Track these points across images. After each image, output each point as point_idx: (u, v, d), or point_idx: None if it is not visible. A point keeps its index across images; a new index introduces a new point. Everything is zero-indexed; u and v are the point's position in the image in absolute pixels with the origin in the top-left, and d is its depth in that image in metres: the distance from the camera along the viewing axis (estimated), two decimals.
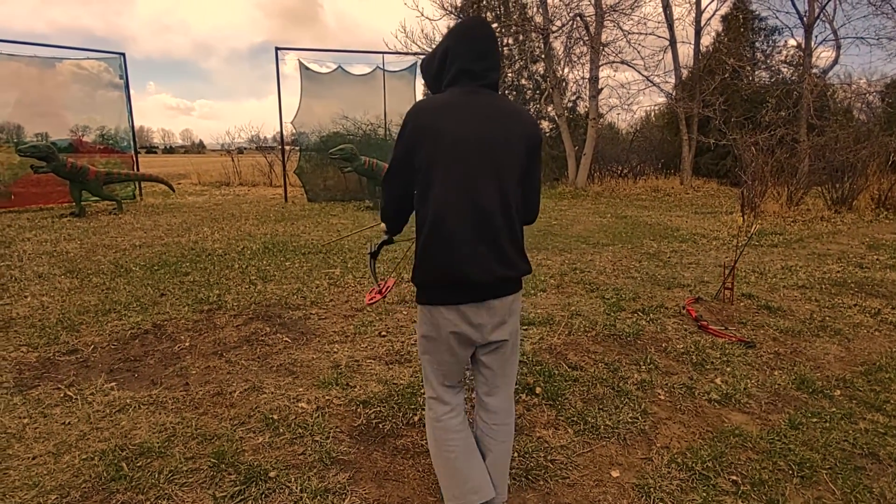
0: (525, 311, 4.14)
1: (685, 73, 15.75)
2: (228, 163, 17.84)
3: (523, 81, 16.72)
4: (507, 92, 16.13)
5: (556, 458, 2.28)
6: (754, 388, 2.94)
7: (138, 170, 11.51)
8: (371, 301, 1.96)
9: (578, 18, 13.87)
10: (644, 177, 16.08)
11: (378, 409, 2.65)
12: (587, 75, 14.43)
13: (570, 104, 16.40)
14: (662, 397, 2.84)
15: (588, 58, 14.25)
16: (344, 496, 2.01)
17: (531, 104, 16.40)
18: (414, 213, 1.74)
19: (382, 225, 1.90)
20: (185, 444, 2.32)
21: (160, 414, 2.57)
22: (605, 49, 14.13)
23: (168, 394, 2.78)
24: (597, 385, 2.94)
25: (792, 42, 17.54)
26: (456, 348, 1.71)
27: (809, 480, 2.15)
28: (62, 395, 2.75)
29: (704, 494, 2.04)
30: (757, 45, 16.59)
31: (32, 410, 2.58)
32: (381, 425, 2.51)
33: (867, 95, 16.81)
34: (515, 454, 2.29)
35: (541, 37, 14.53)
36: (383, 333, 3.67)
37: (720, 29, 16.78)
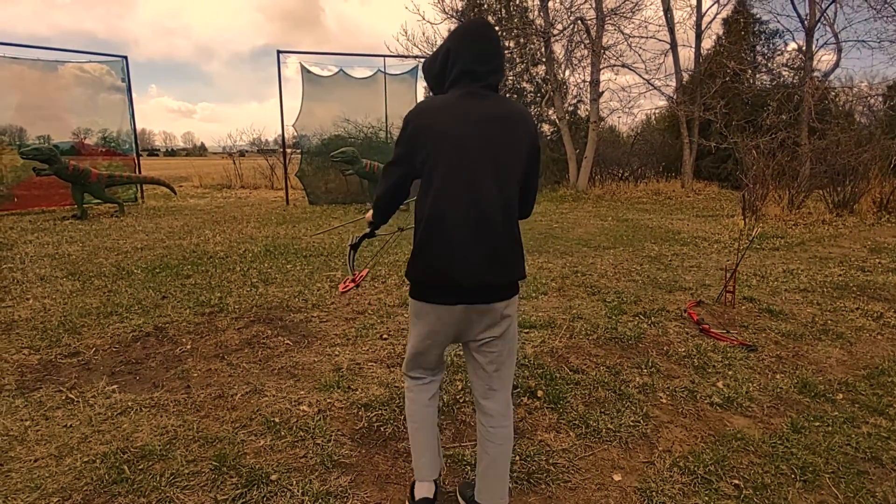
0: (526, 314, 4.14)
1: (686, 76, 15.75)
2: (230, 165, 17.88)
3: (524, 84, 16.74)
4: (508, 95, 16.14)
5: (558, 462, 2.28)
6: (756, 392, 2.94)
7: (140, 172, 11.53)
8: (345, 289, 2.02)
9: (579, 22, 13.90)
10: (645, 180, 16.09)
11: (380, 412, 2.65)
12: (588, 79, 14.45)
13: (571, 107, 16.41)
14: (664, 401, 2.84)
15: (589, 61, 14.27)
16: (346, 499, 2.01)
17: (532, 107, 16.41)
18: (398, 208, 1.82)
19: (368, 215, 1.93)
20: (186, 446, 2.32)
21: (162, 417, 2.57)
22: (606, 52, 14.15)
23: (169, 396, 2.78)
24: (598, 388, 2.94)
25: (793, 45, 17.55)
26: (437, 343, 1.77)
27: (812, 485, 2.14)
28: (64, 397, 2.75)
29: (706, 498, 2.04)
30: (758, 48, 16.61)
31: (34, 413, 2.59)
32: (382, 428, 2.51)
33: (868, 99, 16.81)
34: (517, 457, 2.28)
35: (542, 40, 14.54)
36: (385, 336, 3.67)
37: (721, 32, 16.82)
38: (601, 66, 14.17)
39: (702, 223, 9.28)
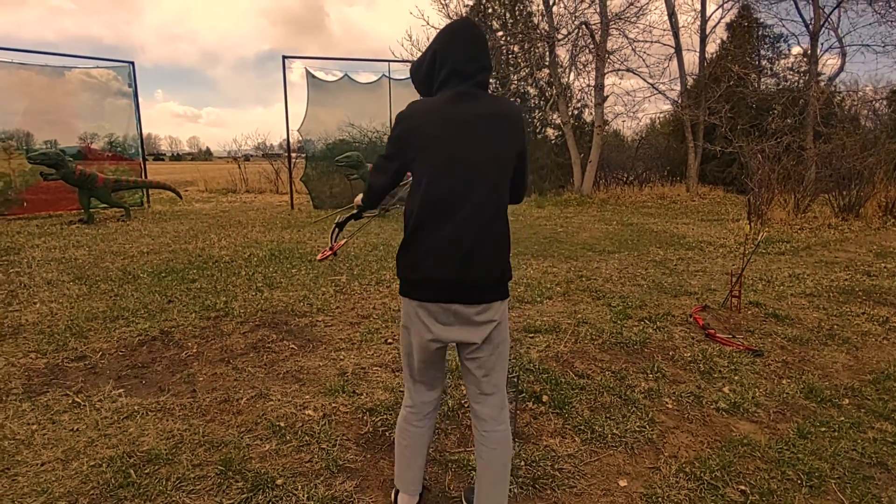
0: (531, 318, 4.13)
1: (691, 80, 15.74)
2: (235, 170, 17.94)
3: (529, 89, 16.76)
4: (512, 99, 16.16)
5: (564, 467, 2.28)
6: (762, 397, 2.92)
7: (146, 177, 11.59)
8: (323, 257, 2.14)
9: (584, 27, 13.91)
10: (650, 184, 16.07)
11: (384, 416, 2.65)
12: (592, 83, 14.46)
13: (575, 112, 16.42)
14: (670, 406, 2.83)
15: (593, 65, 14.28)
16: None
17: (536, 111, 16.43)
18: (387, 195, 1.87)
19: (357, 200, 2.02)
20: (192, 451, 2.32)
21: (168, 421, 2.58)
22: (611, 57, 14.16)
23: (175, 400, 2.79)
24: (604, 393, 2.93)
25: (797, 49, 17.50)
26: (421, 344, 1.74)
27: (818, 490, 2.13)
28: (70, 401, 2.76)
29: None
30: (762, 52, 16.59)
31: (41, 417, 2.60)
32: (387, 433, 2.51)
33: (874, 103, 16.75)
34: (522, 462, 2.28)
35: (546, 45, 14.57)
36: (389, 341, 3.67)
37: (725, 37, 16.81)
38: (605, 71, 14.18)
39: (707, 227, 9.26)
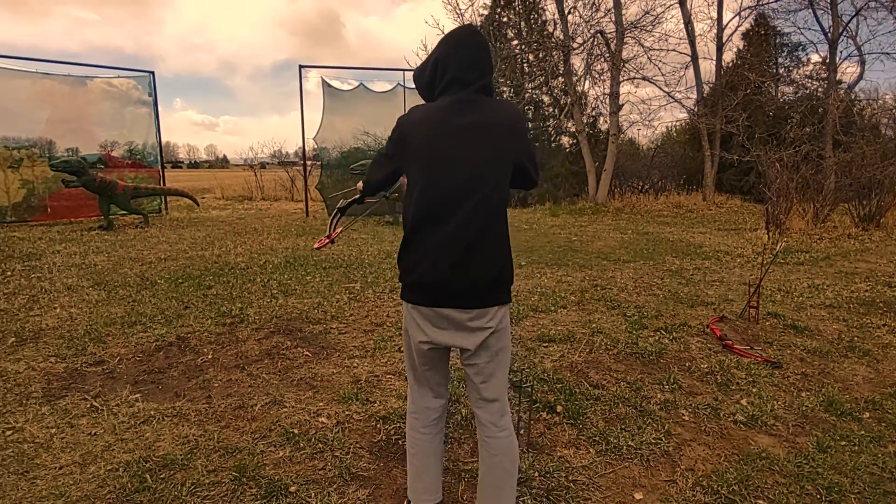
0: (545, 327, 4.11)
1: (707, 88, 15.63)
2: (251, 177, 18.15)
3: (543, 97, 16.77)
4: (525, 108, 16.18)
5: (578, 479, 2.25)
6: (781, 410, 2.88)
7: (164, 184, 11.77)
8: (320, 245, 2.15)
9: (599, 35, 13.90)
10: (665, 193, 15.93)
11: (398, 425, 2.65)
12: (608, 91, 14.42)
13: (590, 120, 16.38)
14: (686, 418, 2.80)
15: (608, 74, 14.25)
16: None
17: (551, 120, 16.42)
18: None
19: (359, 185, 2.07)
20: (207, 456, 2.34)
21: (183, 426, 2.61)
22: (626, 65, 14.12)
23: (191, 406, 2.81)
24: (619, 404, 2.90)
25: (816, 58, 17.31)
26: (417, 346, 1.76)
27: None
28: (88, 405, 2.80)
29: None
30: (780, 60, 16.44)
31: (60, 420, 2.64)
32: (401, 442, 2.51)
33: (894, 111, 16.50)
34: (536, 473, 2.26)
35: (561, 53, 14.57)
36: (402, 349, 3.67)
37: (742, 45, 16.69)
38: (621, 79, 14.14)
39: (724, 237, 9.16)
